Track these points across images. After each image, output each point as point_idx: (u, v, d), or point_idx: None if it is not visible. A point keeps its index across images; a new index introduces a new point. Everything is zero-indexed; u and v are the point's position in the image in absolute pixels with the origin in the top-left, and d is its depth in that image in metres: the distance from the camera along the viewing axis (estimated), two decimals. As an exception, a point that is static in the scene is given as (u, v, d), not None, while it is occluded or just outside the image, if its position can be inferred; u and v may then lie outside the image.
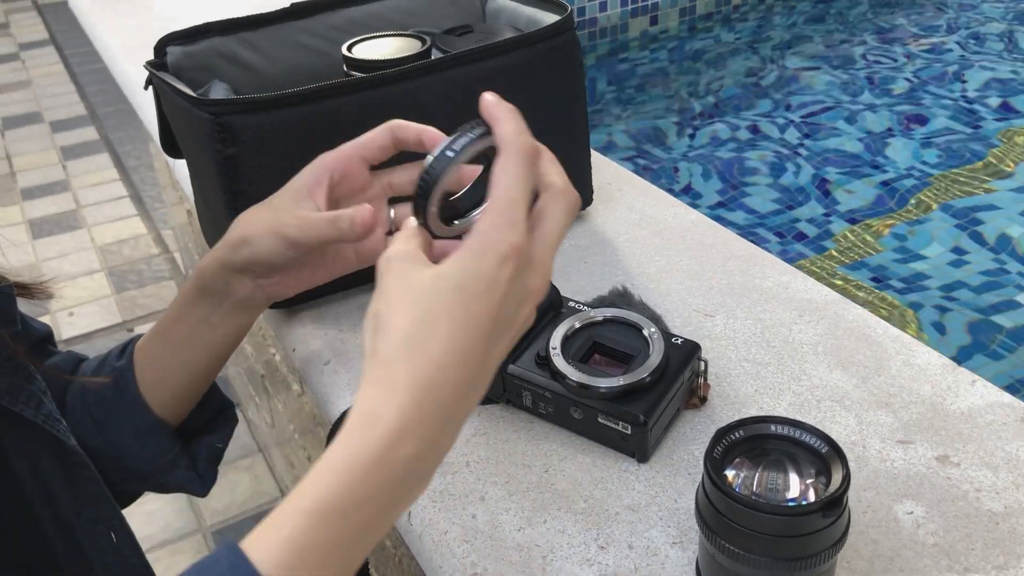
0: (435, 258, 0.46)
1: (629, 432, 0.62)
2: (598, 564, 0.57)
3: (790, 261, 1.47)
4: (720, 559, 0.52)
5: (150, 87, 0.84)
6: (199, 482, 0.73)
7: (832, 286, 1.38)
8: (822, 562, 0.50)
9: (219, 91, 0.82)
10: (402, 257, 0.46)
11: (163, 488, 0.73)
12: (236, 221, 0.66)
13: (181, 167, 0.94)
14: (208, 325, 0.68)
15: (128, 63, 1.36)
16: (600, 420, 0.63)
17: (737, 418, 0.67)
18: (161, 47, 0.85)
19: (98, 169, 3.32)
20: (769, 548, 0.49)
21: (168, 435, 0.70)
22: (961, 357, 1.28)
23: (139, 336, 0.72)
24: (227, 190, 0.75)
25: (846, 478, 0.49)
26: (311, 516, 0.39)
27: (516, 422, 0.68)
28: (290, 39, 0.91)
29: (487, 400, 0.69)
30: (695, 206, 1.65)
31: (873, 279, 1.44)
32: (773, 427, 0.53)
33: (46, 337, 0.73)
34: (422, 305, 0.43)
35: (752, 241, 0.89)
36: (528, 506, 0.61)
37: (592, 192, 0.93)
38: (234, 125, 0.72)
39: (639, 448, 0.63)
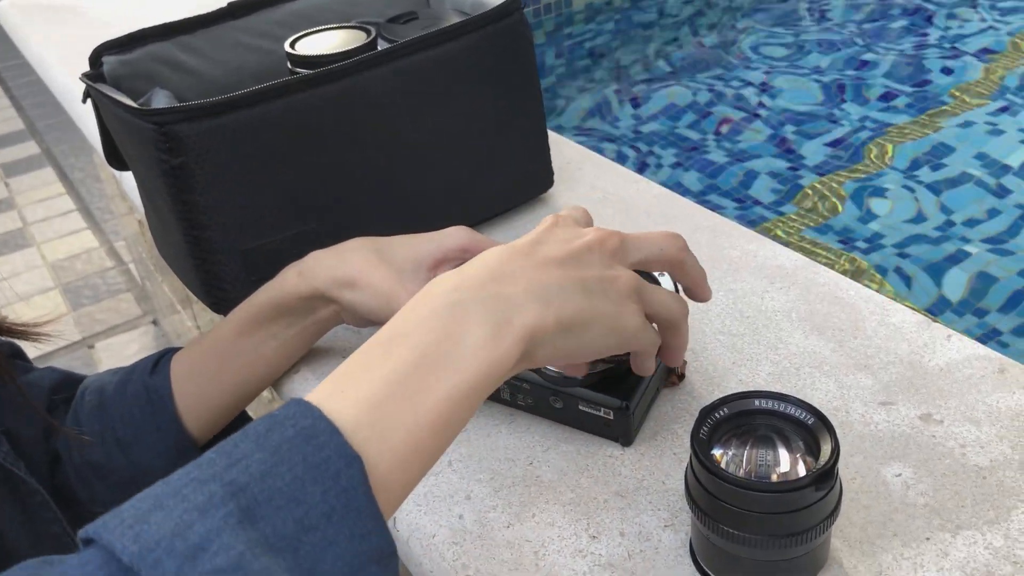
0: None
1: (611, 418, 0.61)
2: (591, 555, 0.56)
3: (754, 224, 1.47)
4: (714, 540, 0.51)
5: (88, 100, 0.81)
6: None
7: (800, 249, 1.38)
8: (817, 535, 0.49)
9: (161, 99, 0.79)
10: None
11: None
12: (347, 256, 0.65)
13: (128, 178, 0.91)
14: (279, 341, 0.68)
15: (64, 74, 1.31)
16: (581, 408, 0.62)
17: (717, 392, 0.67)
18: (96, 57, 0.82)
19: (43, 184, 3.24)
20: (763, 526, 0.49)
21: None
22: (932, 312, 1.29)
23: (172, 350, 0.70)
24: (178, 201, 0.72)
25: (835, 450, 0.48)
26: (360, 353, 0.42)
27: (496, 416, 0.67)
28: (231, 39, 0.88)
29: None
30: (655, 176, 1.64)
31: (840, 241, 1.45)
32: (757, 402, 0.53)
33: (14, 353, 0.71)
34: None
35: (714, 206, 0.88)
36: (515, 501, 0.60)
37: (552, 174, 0.92)
38: (180, 134, 0.69)
39: (623, 432, 0.62)
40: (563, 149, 1.01)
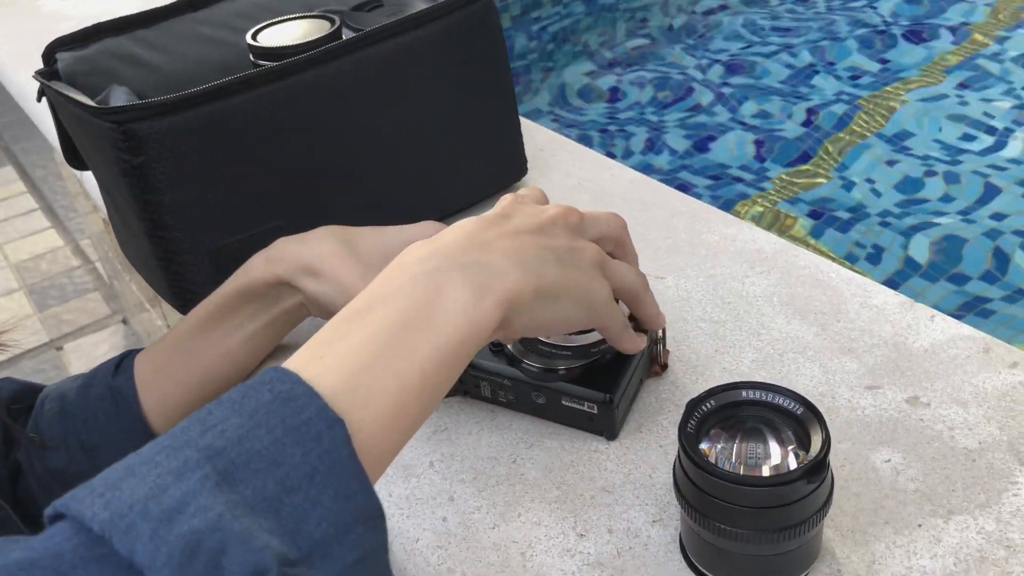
0: None
1: (596, 412, 0.60)
2: (580, 553, 0.55)
3: (728, 204, 1.46)
4: (705, 536, 0.50)
5: (43, 98, 0.78)
6: None
7: (773, 226, 1.38)
8: (810, 528, 0.48)
9: (119, 97, 0.76)
10: None
11: None
12: (313, 244, 0.63)
13: (91, 177, 0.88)
14: (244, 333, 0.66)
15: (18, 71, 1.28)
16: (564, 403, 0.61)
17: (701, 381, 0.66)
18: (50, 53, 0.79)
19: (3, 183, 3.17)
20: (755, 521, 0.47)
21: None
22: (900, 282, 1.29)
23: (135, 351, 0.67)
24: (140, 201, 0.70)
25: (826, 441, 0.47)
26: (336, 320, 0.42)
27: (477, 414, 0.65)
28: (191, 32, 0.85)
29: (444, 393, 0.66)
30: (628, 159, 1.63)
31: (810, 215, 1.44)
32: (744, 393, 0.52)
33: None
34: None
35: (687, 185, 0.87)
36: (500, 501, 0.59)
37: (526, 161, 0.90)
38: (139, 132, 0.67)
39: (607, 426, 0.61)
40: (536, 135, 0.99)
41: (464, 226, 0.48)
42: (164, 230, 0.70)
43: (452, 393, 0.66)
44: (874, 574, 0.51)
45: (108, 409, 0.65)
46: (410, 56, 0.78)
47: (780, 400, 0.51)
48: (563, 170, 0.93)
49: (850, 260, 1.33)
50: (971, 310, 1.25)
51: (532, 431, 0.63)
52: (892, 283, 1.27)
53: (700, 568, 0.52)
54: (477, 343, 0.43)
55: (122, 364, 0.67)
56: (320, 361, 0.39)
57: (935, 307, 0.70)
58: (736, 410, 0.51)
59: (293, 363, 0.39)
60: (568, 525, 0.57)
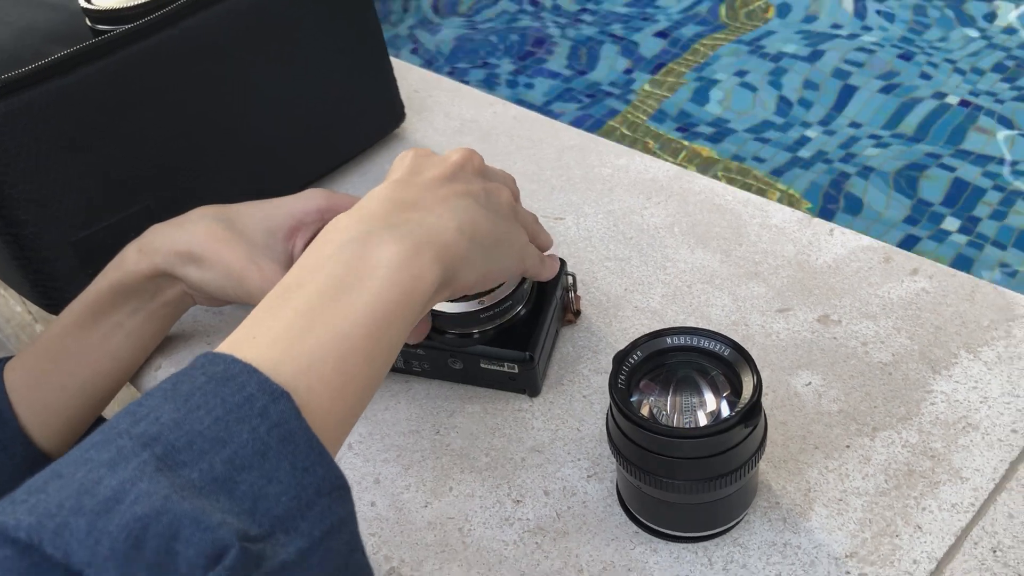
0: None
1: (517, 371, 0.58)
2: (519, 521, 0.53)
3: (598, 125, 1.44)
4: (646, 489, 0.49)
5: None
6: None
7: (644, 148, 1.37)
8: (750, 469, 0.48)
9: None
10: None
11: None
12: (190, 228, 0.58)
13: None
14: (125, 330, 0.61)
15: None
16: (483, 365, 0.58)
17: (615, 323, 0.64)
18: None
19: None
20: (695, 471, 0.47)
21: None
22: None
23: (2, 360, 0.61)
24: (-16, 197, 0.62)
25: (758, 383, 0.47)
26: (265, 301, 0.39)
27: (391, 387, 0.62)
28: (11, -4, 0.76)
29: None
30: (499, 92, 1.59)
31: (678, 129, 1.44)
32: (670, 339, 0.50)
33: None
34: None
35: (558, 114, 0.84)
36: (428, 477, 0.56)
37: (403, 106, 0.85)
38: (-28, 121, 0.59)
39: (529, 384, 0.59)
40: (408, 76, 0.94)
41: (381, 192, 0.46)
42: (17, 227, 0.63)
43: (362, 367, 0.63)
44: (811, 502, 0.52)
45: None
46: (271, 5, 0.71)
47: (706, 343, 0.50)
48: (442, 111, 0.89)
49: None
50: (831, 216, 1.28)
51: (451, 397, 0.61)
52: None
53: (642, 520, 0.52)
54: (420, 300, 0.41)
55: None
56: (253, 340, 0.37)
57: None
58: (663, 358, 0.50)
59: (224, 347, 0.37)
60: (503, 493, 0.55)
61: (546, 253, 0.57)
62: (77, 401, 0.61)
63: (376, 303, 0.39)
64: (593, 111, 1.46)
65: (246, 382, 0.34)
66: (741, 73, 1.51)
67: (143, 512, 0.29)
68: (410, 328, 0.41)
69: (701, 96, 1.48)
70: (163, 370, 0.66)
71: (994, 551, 0.48)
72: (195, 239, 0.58)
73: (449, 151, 0.50)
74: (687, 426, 0.48)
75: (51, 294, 0.67)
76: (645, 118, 1.45)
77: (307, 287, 0.39)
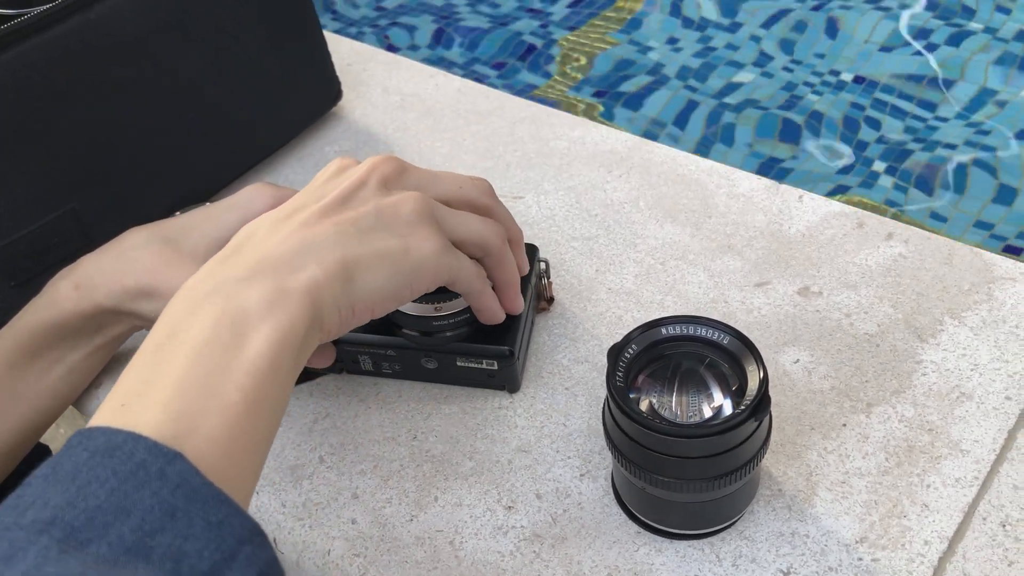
0: None
1: (496, 367, 0.55)
2: (513, 529, 0.50)
3: (525, 91, 1.40)
4: (650, 490, 0.46)
5: None
6: None
7: (572, 107, 1.34)
8: (758, 463, 0.45)
9: None
10: None
11: None
12: (131, 256, 0.53)
13: None
14: (66, 366, 0.56)
15: None
16: (460, 364, 0.55)
17: (590, 308, 0.61)
18: None
19: None
20: (704, 469, 0.44)
21: None
22: (707, 151, 1.30)
23: None
24: None
25: (765, 376, 0.44)
26: (130, 367, 0.37)
27: (360, 391, 0.58)
28: None
29: (316, 373, 0.59)
30: (416, 54, 1.53)
31: (597, 94, 1.41)
32: (664, 329, 0.47)
33: None
34: None
35: (479, 77, 0.80)
36: (410, 487, 0.53)
37: (339, 83, 0.80)
38: None
39: (509, 380, 0.56)
40: (339, 48, 0.89)
41: (252, 228, 0.43)
42: (-74, 240, 0.57)
43: (327, 371, 0.58)
44: (814, 487, 0.50)
45: None
46: (190, -19, 0.65)
47: (702, 331, 0.47)
48: (380, 86, 0.84)
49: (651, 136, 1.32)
50: (769, 171, 1.27)
51: (425, 399, 0.57)
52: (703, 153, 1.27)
53: (644, 519, 0.49)
54: (295, 348, 0.38)
55: None
56: (125, 410, 0.34)
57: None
58: (659, 348, 0.47)
59: (97, 420, 0.34)
60: (492, 499, 0.52)
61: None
62: (13, 440, 0.55)
63: (249, 362, 0.36)
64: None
65: (134, 449, 0.32)
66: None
67: None
68: (297, 370, 0.39)
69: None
70: (103, 388, 0.61)
71: (1003, 525, 0.47)
72: (140, 269, 0.53)
73: (359, 165, 0.46)
74: (693, 422, 0.45)
75: (-30, 312, 0.60)
76: (568, 88, 1.42)
77: (173, 347, 0.36)
